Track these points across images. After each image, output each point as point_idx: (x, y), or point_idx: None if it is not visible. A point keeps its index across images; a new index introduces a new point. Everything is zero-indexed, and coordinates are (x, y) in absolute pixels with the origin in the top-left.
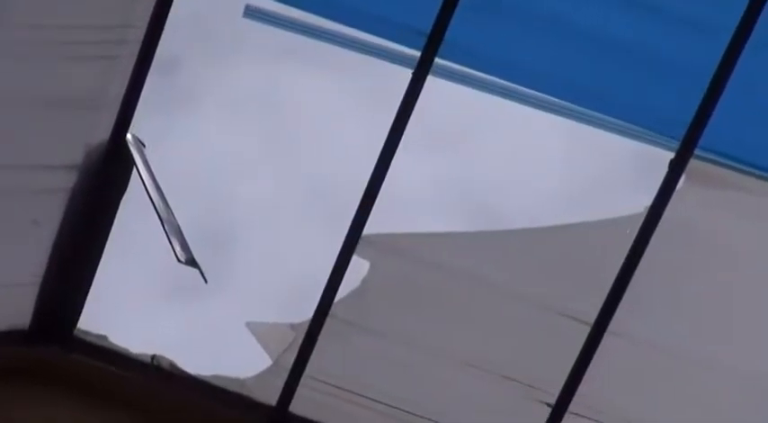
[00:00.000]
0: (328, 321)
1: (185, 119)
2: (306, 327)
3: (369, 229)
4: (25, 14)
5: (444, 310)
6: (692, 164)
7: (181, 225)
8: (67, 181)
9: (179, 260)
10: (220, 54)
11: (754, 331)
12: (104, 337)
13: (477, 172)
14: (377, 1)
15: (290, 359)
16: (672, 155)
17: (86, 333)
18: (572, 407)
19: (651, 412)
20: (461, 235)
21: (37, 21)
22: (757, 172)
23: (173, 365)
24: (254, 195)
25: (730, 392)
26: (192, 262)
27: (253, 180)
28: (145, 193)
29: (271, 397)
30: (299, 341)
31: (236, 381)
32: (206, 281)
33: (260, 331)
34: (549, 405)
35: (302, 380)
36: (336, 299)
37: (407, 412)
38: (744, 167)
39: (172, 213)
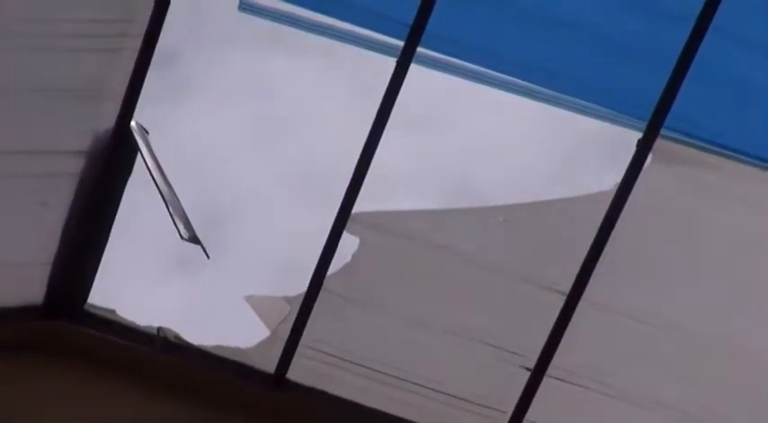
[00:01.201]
0: (321, 294)
1: (184, 106)
2: (300, 299)
3: (357, 207)
4: (35, 9)
5: (429, 282)
6: (659, 143)
7: (183, 205)
8: (76, 166)
9: (182, 238)
10: (215, 45)
11: (715, 297)
12: (113, 311)
13: (456, 153)
14: None
15: (287, 330)
16: (639, 135)
17: (96, 308)
18: (550, 370)
19: (624, 373)
20: (443, 212)
21: (46, 15)
22: (719, 150)
23: (177, 337)
24: (250, 177)
25: (694, 353)
26: (194, 239)
27: (248, 162)
28: (149, 176)
29: (269, 365)
30: (295, 313)
31: (237, 350)
32: (208, 256)
33: (258, 304)
34: (528, 369)
35: (298, 349)
36: (328, 273)
37: (395, 377)
38: (706, 146)
39: (174, 194)
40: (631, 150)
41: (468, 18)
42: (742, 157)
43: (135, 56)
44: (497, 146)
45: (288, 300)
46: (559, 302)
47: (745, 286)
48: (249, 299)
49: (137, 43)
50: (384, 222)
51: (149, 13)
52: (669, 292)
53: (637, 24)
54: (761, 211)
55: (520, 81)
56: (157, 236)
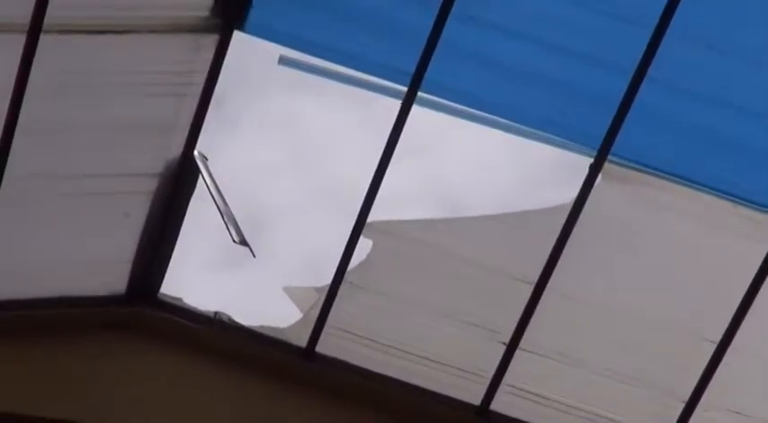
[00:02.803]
0: (343, 285)
1: (233, 138)
2: (326, 289)
3: (371, 217)
4: (121, 63)
5: (428, 276)
6: (606, 166)
7: (234, 215)
8: (151, 185)
9: (234, 241)
10: (256, 89)
11: (658, 288)
12: (180, 299)
13: (445, 174)
14: (374, 50)
15: (315, 313)
16: (591, 160)
17: (167, 296)
18: (522, 344)
19: (581, 347)
20: (437, 220)
21: (131, 68)
22: (654, 171)
23: (230, 319)
24: (285, 193)
25: (642, 334)
26: (243, 242)
27: (283, 181)
28: (208, 192)
29: (302, 341)
30: (322, 300)
31: (276, 329)
32: (254, 256)
33: (292, 293)
34: (504, 343)
35: (324, 328)
36: (348, 268)
37: (401, 350)
38: (643, 168)
39: (228, 206)
40: (584, 172)
41: (455, 70)
42: (672, 176)
43: (197, 99)
44: (478, 168)
45: (316, 289)
46: (529, 291)
47: (676, 277)
48: (286, 289)
49: (198, 90)
50: (392, 229)
51: (209, 65)
52: (616, 282)
53: (584, 73)
54: (688, 219)
55: (495, 117)
56: (214, 239)
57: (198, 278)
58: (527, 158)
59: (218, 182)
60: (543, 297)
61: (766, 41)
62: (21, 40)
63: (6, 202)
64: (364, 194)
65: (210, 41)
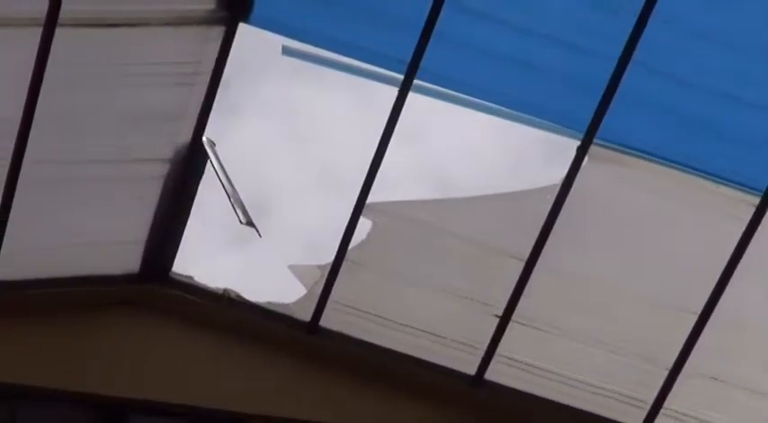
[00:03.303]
0: (344, 263)
1: (238, 123)
2: (329, 267)
3: (370, 199)
4: (132, 56)
5: (423, 253)
6: (593, 148)
7: (240, 197)
8: (162, 169)
9: (241, 222)
10: (258, 76)
11: (643, 263)
12: (191, 277)
13: (439, 157)
14: (373, 39)
15: (318, 289)
16: (578, 142)
17: (178, 275)
18: (514, 317)
19: (568, 318)
20: (432, 201)
21: (142, 59)
22: (636, 152)
23: (238, 296)
24: (288, 176)
25: (628, 306)
26: (250, 223)
27: (286, 165)
28: (216, 175)
29: (306, 315)
30: (325, 277)
31: (282, 305)
32: (260, 235)
33: (296, 270)
34: (497, 316)
35: (327, 303)
36: (349, 247)
37: (399, 323)
38: (626, 150)
39: (235, 189)
40: (572, 154)
41: (447, 58)
42: (655, 157)
43: (205, 88)
44: (470, 151)
45: (319, 267)
46: (520, 266)
47: (659, 252)
48: (290, 266)
49: (206, 79)
50: (390, 209)
51: (215, 56)
52: (603, 257)
53: (569, 62)
54: (670, 198)
55: (486, 102)
56: (222, 221)
57: (207, 257)
58: (517, 141)
59: (225, 166)
60: (534, 272)
61: (745, 28)
62: (37, 33)
63: (27, 188)
64: (363, 177)
65: (217, 33)
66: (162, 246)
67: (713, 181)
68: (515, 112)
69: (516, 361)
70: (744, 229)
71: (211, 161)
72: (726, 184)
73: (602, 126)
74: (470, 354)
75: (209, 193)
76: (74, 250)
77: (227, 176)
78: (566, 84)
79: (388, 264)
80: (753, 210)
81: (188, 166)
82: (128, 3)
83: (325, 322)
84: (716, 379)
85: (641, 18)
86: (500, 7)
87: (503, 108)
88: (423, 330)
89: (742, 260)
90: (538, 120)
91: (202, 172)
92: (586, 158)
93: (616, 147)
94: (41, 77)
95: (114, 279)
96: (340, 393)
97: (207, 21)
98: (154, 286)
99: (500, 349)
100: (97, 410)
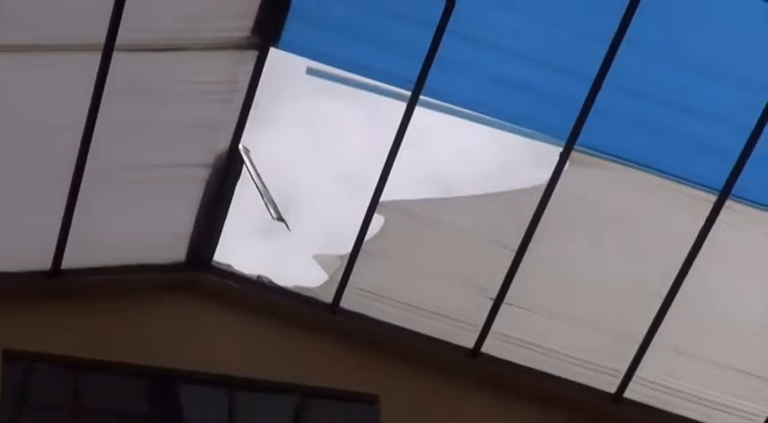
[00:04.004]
0: (361, 253)
1: (270, 134)
2: (347, 257)
3: (383, 198)
4: (179, 75)
5: (429, 244)
6: (573, 154)
7: (272, 196)
8: (205, 173)
9: (272, 217)
10: (284, 94)
11: (617, 252)
12: (229, 265)
13: (439, 161)
14: (384, 61)
15: (339, 276)
16: (560, 149)
17: (219, 263)
18: (506, 299)
19: (555, 302)
20: (434, 199)
21: (187, 79)
22: (610, 156)
23: (270, 281)
24: (312, 178)
25: (604, 290)
26: (280, 218)
27: (311, 168)
28: (251, 178)
29: (328, 298)
30: (344, 265)
31: (307, 289)
32: (289, 229)
33: (320, 259)
34: (491, 299)
35: (346, 288)
36: (365, 239)
37: (408, 305)
38: (604, 156)
39: (267, 189)
40: (555, 158)
41: (450, 78)
42: (628, 161)
43: (241, 103)
44: (466, 157)
45: (339, 257)
46: (511, 256)
47: (631, 243)
48: (314, 256)
49: (242, 96)
50: (399, 207)
51: (250, 76)
52: (583, 248)
53: (560, 81)
54: (640, 196)
55: (482, 115)
56: (256, 216)
57: (244, 248)
58: (508, 148)
59: (258, 170)
60: (523, 261)
61: (706, 54)
62: (97, 57)
63: (92, 191)
64: (377, 179)
65: (251, 57)
66: (205, 238)
67: (676, 181)
68: (507, 123)
69: (508, 337)
70: (703, 222)
71: (246, 166)
72: (688, 185)
73: (581, 135)
74: (469, 331)
75: (244, 193)
76: (130, 243)
77: (260, 178)
78: (550, 99)
79: (399, 254)
80: (711, 206)
81: (227, 170)
82: (174, 31)
83: (344, 304)
84: (679, 352)
85: (613, 44)
86: (494, 35)
87: (496, 120)
88: (427, 310)
89: (702, 250)
90: (526, 129)
91: (239, 175)
92: (568, 163)
93: (593, 152)
94: (101, 94)
95: (164, 267)
96: (357, 363)
97: (242, 46)
98: (198, 273)
99: (494, 327)
100: (150, 379)
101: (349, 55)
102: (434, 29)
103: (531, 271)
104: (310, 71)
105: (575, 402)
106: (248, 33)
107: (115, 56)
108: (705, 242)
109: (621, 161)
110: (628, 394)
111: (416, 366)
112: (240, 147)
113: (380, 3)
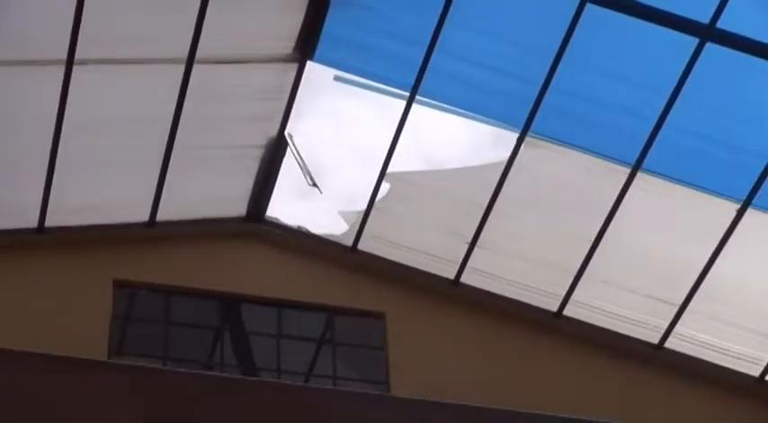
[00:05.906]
0: (373, 210)
1: (307, 124)
2: (363, 212)
3: (389, 169)
4: (240, 82)
5: (425, 204)
6: (528, 139)
7: (309, 169)
8: (260, 152)
9: (309, 184)
10: (318, 95)
11: (560, 211)
12: (277, 219)
13: (429, 143)
14: (390, 71)
15: (357, 226)
16: (517, 135)
17: (270, 217)
18: (478, 243)
19: (512, 246)
20: (425, 171)
21: (245, 83)
22: (562, 143)
23: (307, 230)
24: (336, 155)
25: (551, 236)
26: (314, 184)
27: (334, 149)
28: (293, 156)
29: (350, 242)
30: (360, 219)
31: (334, 235)
32: (321, 192)
33: (343, 214)
34: (467, 243)
35: (362, 234)
36: (376, 199)
37: (410, 248)
38: (555, 140)
39: (305, 163)
40: (512, 143)
41: (440, 82)
42: (566, 144)
43: (285, 102)
44: (448, 140)
45: (357, 212)
46: (481, 213)
47: (572, 205)
48: (339, 212)
49: (286, 96)
50: (402, 176)
51: (292, 82)
52: (536, 208)
53: (519, 86)
54: (579, 171)
55: (460, 109)
56: (297, 183)
57: (288, 205)
58: (478, 134)
59: (298, 149)
60: (490, 216)
61: (641, 67)
62: (181, 68)
63: (181, 163)
64: (384, 155)
65: (292, 68)
66: (259, 199)
67: (600, 158)
68: (478, 116)
69: (480, 270)
70: (620, 188)
71: (290, 146)
72: (607, 160)
73: (532, 124)
74: (452, 266)
75: (289, 166)
76: (207, 201)
77: (300, 155)
78: (510, 98)
79: (401, 210)
80: (626, 177)
81: (275, 150)
82: (237, 47)
83: (361, 246)
84: (605, 282)
85: (556, 57)
86: (471, 52)
87: (470, 113)
88: (420, 251)
89: (619, 208)
90: (492, 120)
91: (284, 153)
92: (523, 145)
93: (542, 137)
94: (185, 93)
95: (231, 220)
96: (370, 289)
97: (286, 59)
98: (255, 224)
99: (469, 263)
100: (219, 302)
101: (365, 66)
102: (426, 47)
103: (497, 223)
104: (337, 78)
105: (527, 318)
106: (291, 50)
107: (195, 67)
108: (623, 200)
109: (562, 143)
110: (566, 312)
111: (413, 292)
112: (286, 133)
113: (386, 27)
